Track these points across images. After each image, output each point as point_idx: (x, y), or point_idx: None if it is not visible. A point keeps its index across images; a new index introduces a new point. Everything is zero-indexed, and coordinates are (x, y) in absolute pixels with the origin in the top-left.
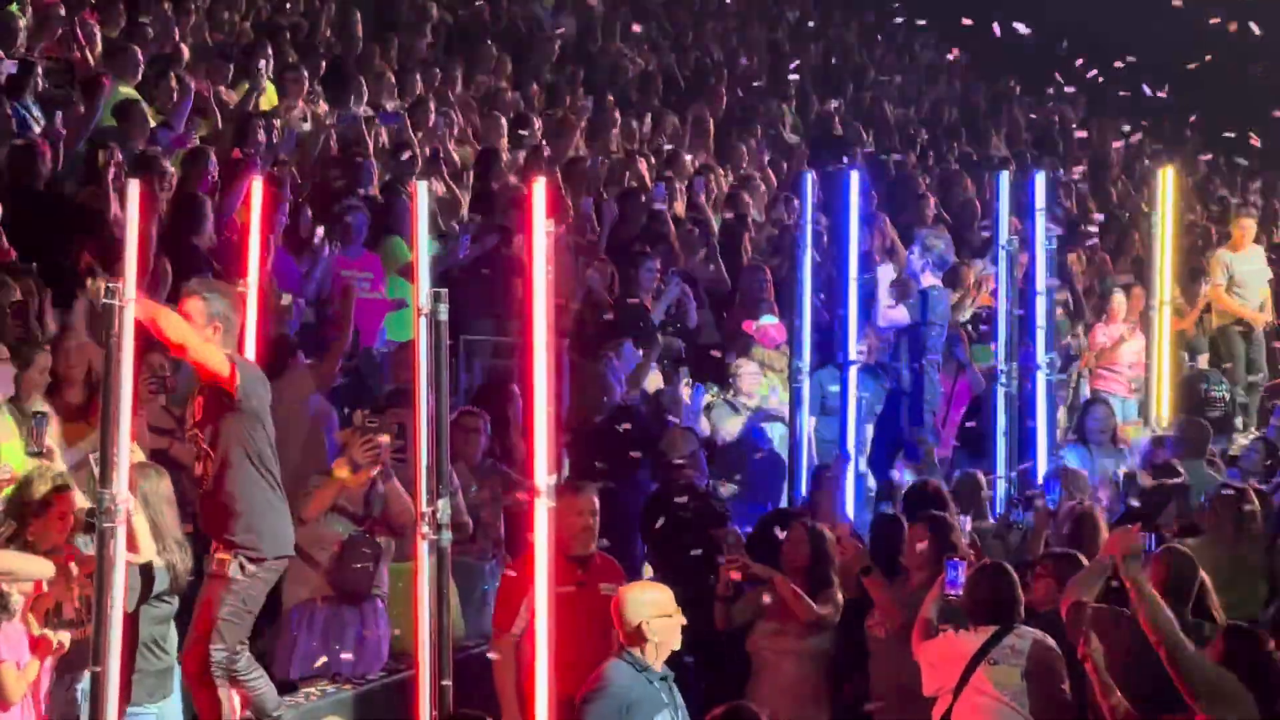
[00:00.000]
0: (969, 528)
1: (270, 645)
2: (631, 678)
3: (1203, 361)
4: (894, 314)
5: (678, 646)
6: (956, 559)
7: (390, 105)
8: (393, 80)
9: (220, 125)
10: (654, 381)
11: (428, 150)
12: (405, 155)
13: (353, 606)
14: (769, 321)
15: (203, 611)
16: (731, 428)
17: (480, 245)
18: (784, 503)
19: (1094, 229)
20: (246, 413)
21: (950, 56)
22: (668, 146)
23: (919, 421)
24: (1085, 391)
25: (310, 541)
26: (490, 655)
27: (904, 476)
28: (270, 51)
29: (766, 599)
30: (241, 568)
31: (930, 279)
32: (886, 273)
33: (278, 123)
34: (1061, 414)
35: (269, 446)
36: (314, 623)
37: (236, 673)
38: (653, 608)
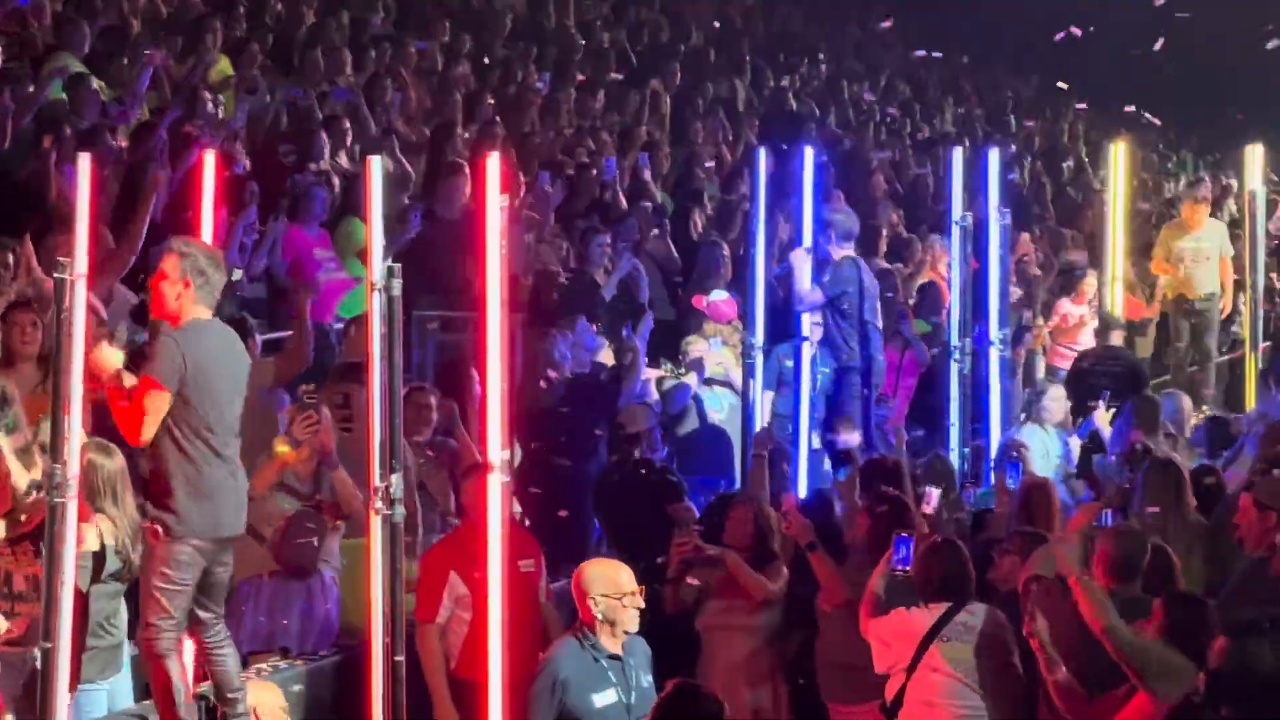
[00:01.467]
0: (935, 502)
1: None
2: (574, 655)
3: (1145, 345)
4: (811, 296)
5: (630, 628)
6: (905, 534)
7: (343, 80)
8: (347, 55)
9: (170, 99)
10: (608, 358)
11: (382, 126)
12: (360, 131)
13: (300, 581)
14: (719, 297)
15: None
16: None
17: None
18: (736, 477)
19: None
20: (177, 393)
21: (885, 25)
22: (618, 120)
23: (866, 388)
24: (1040, 368)
25: (257, 519)
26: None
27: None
28: (220, 25)
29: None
30: (158, 535)
31: (842, 250)
32: (799, 257)
33: (223, 97)
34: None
35: (206, 421)
36: (260, 598)
37: (206, 645)
38: (600, 585)
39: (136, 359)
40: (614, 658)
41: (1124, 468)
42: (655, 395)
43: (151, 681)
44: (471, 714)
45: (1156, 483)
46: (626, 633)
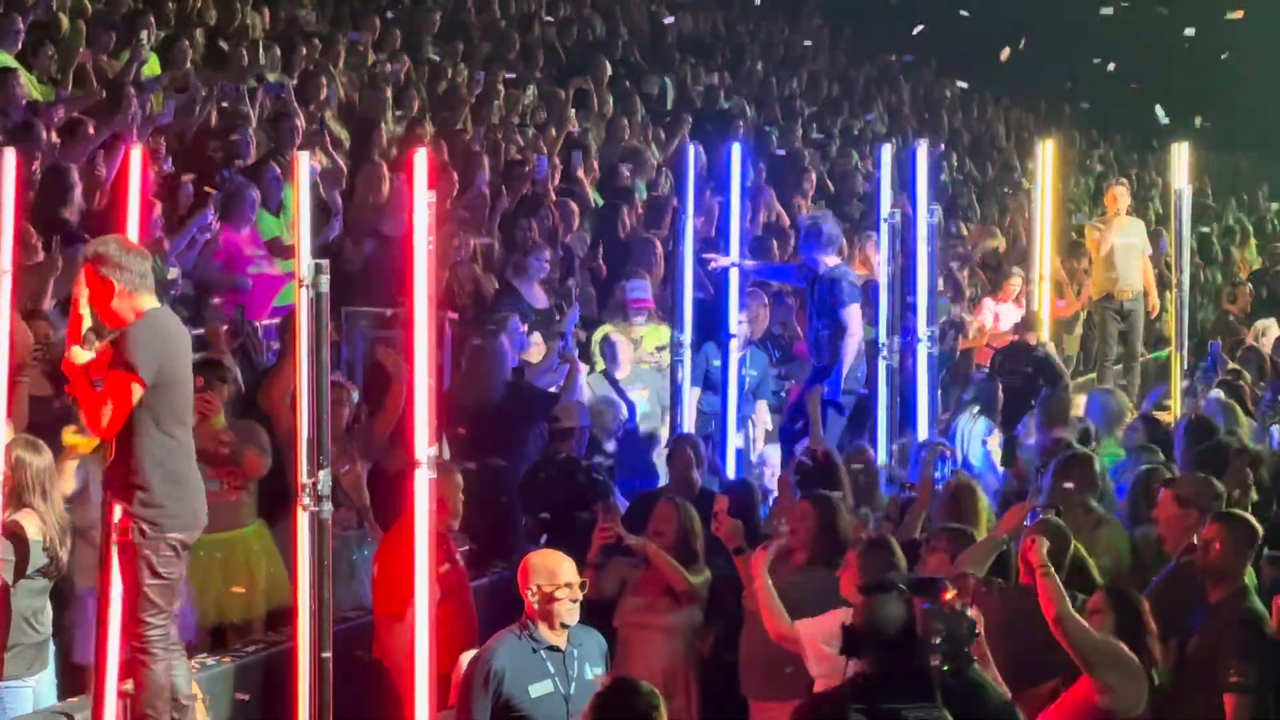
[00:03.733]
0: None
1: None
2: (511, 646)
3: (1072, 342)
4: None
5: (567, 620)
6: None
7: (273, 76)
8: (277, 52)
9: (100, 95)
10: (535, 354)
11: (313, 122)
12: (285, 126)
13: None
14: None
15: (123, 585)
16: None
17: (360, 248)
18: (659, 478)
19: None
20: (152, 384)
21: (816, 23)
22: (544, 117)
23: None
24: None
25: (85, 522)
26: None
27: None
28: (153, 20)
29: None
30: (142, 533)
31: (832, 259)
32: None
33: (153, 94)
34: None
35: (178, 411)
36: None
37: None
38: (538, 576)
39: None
40: (553, 649)
41: (1040, 462)
42: (587, 393)
43: (138, 683)
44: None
45: (1066, 478)
46: (564, 625)
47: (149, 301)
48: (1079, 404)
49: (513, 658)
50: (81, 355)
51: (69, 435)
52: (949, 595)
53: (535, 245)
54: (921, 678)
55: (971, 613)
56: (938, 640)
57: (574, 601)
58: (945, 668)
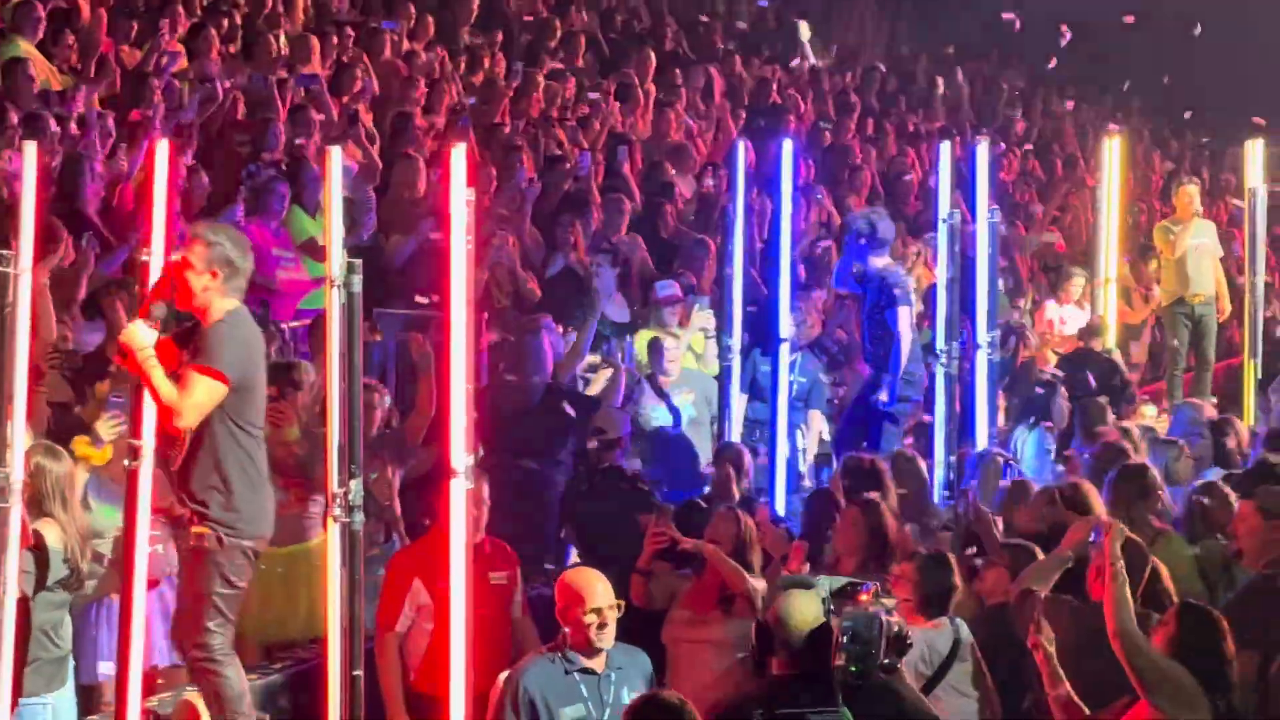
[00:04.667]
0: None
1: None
2: (543, 668)
3: (1140, 347)
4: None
5: (602, 644)
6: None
7: (306, 68)
8: (313, 41)
9: (119, 86)
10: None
11: (346, 114)
12: (316, 120)
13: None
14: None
15: (183, 591)
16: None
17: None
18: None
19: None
20: (234, 385)
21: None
22: (587, 112)
23: (891, 401)
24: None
25: (88, 533)
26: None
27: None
28: (179, 9)
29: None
30: (219, 540)
31: (883, 260)
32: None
33: (179, 84)
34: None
35: (255, 415)
36: (113, 617)
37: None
38: (568, 596)
39: (178, 341)
40: (587, 671)
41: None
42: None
43: (212, 696)
44: None
45: (1123, 488)
46: (600, 648)
47: (231, 303)
48: (1146, 415)
49: (544, 680)
50: (147, 334)
51: (81, 446)
52: (865, 597)
53: (598, 257)
54: (829, 680)
55: (894, 617)
56: (845, 640)
57: (604, 626)
58: (852, 669)
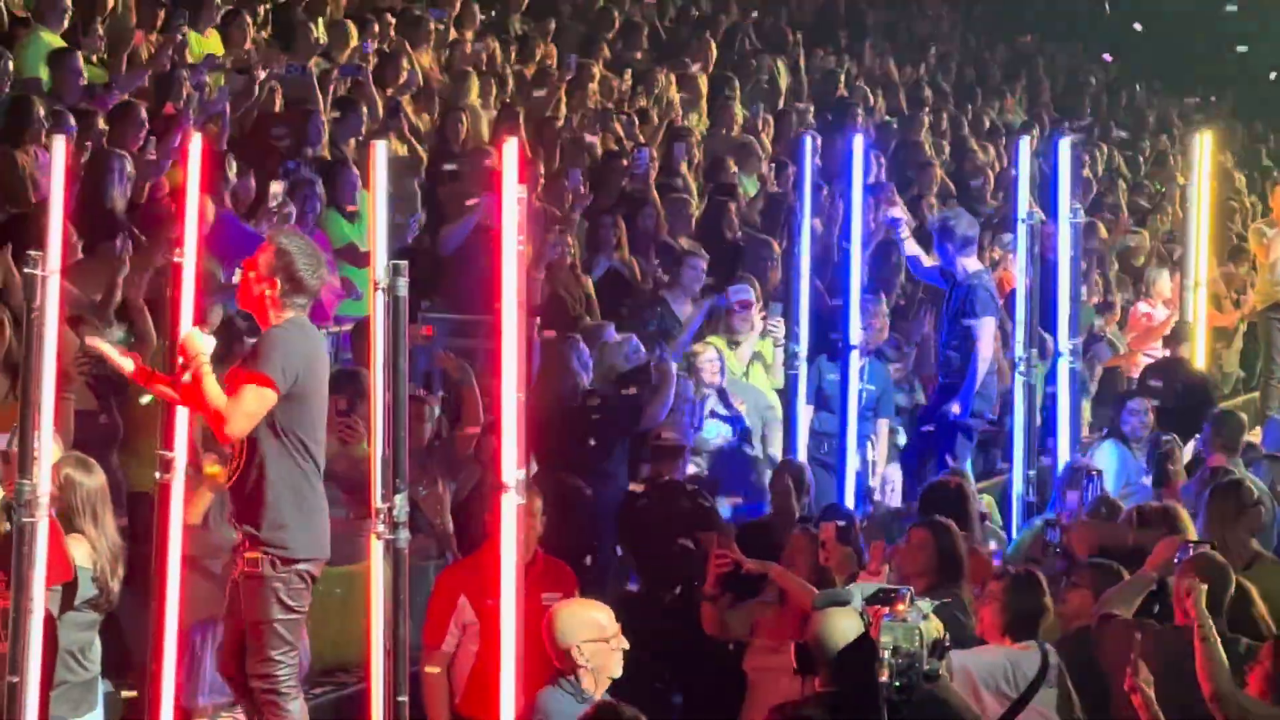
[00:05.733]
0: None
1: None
2: (570, 708)
3: (1231, 355)
4: (931, 261)
5: (616, 673)
6: None
7: (344, 58)
8: (354, 30)
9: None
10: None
11: (386, 107)
12: (356, 113)
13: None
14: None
15: (237, 621)
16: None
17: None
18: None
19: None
20: (287, 395)
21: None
22: (643, 104)
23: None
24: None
25: (202, 551)
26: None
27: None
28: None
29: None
30: (274, 565)
31: (974, 263)
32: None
33: (209, 76)
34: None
35: (313, 430)
36: (218, 641)
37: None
38: (587, 630)
39: (234, 345)
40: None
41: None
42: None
43: None
44: None
45: (1218, 507)
46: (611, 678)
47: (292, 313)
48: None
49: (560, 711)
50: (205, 340)
51: (210, 465)
52: (902, 606)
53: (687, 251)
54: (872, 695)
55: (934, 624)
56: (887, 654)
57: (618, 655)
58: (896, 684)
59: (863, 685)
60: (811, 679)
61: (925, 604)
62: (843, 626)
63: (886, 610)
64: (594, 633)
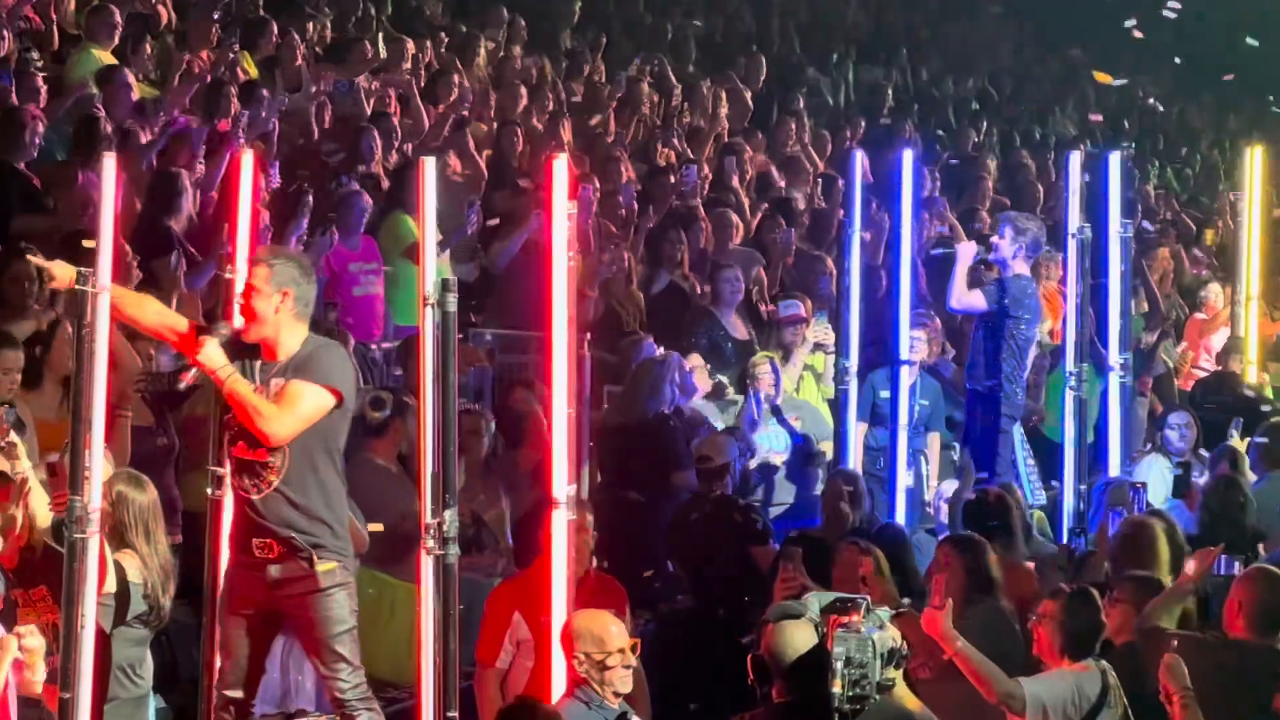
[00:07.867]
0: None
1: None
2: (578, 713)
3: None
4: (971, 298)
5: (621, 689)
6: None
7: (397, 74)
8: (409, 47)
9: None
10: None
11: (450, 123)
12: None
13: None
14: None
15: (306, 637)
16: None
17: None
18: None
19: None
20: (342, 410)
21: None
22: (690, 120)
23: (993, 432)
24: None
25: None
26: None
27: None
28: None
29: None
30: (345, 570)
31: (1021, 266)
32: (967, 251)
33: (266, 92)
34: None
35: (343, 444)
36: (271, 652)
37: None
38: (583, 642)
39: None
40: (623, 717)
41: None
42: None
43: None
44: None
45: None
46: (618, 694)
47: (302, 330)
48: None
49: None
50: (221, 353)
51: None
52: (856, 617)
53: (721, 264)
54: (825, 706)
55: (893, 633)
56: (839, 665)
57: (627, 668)
58: (848, 694)
59: (816, 696)
60: (765, 689)
61: (883, 613)
62: (797, 638)
63: (840, 621)
64: (591, 646)
